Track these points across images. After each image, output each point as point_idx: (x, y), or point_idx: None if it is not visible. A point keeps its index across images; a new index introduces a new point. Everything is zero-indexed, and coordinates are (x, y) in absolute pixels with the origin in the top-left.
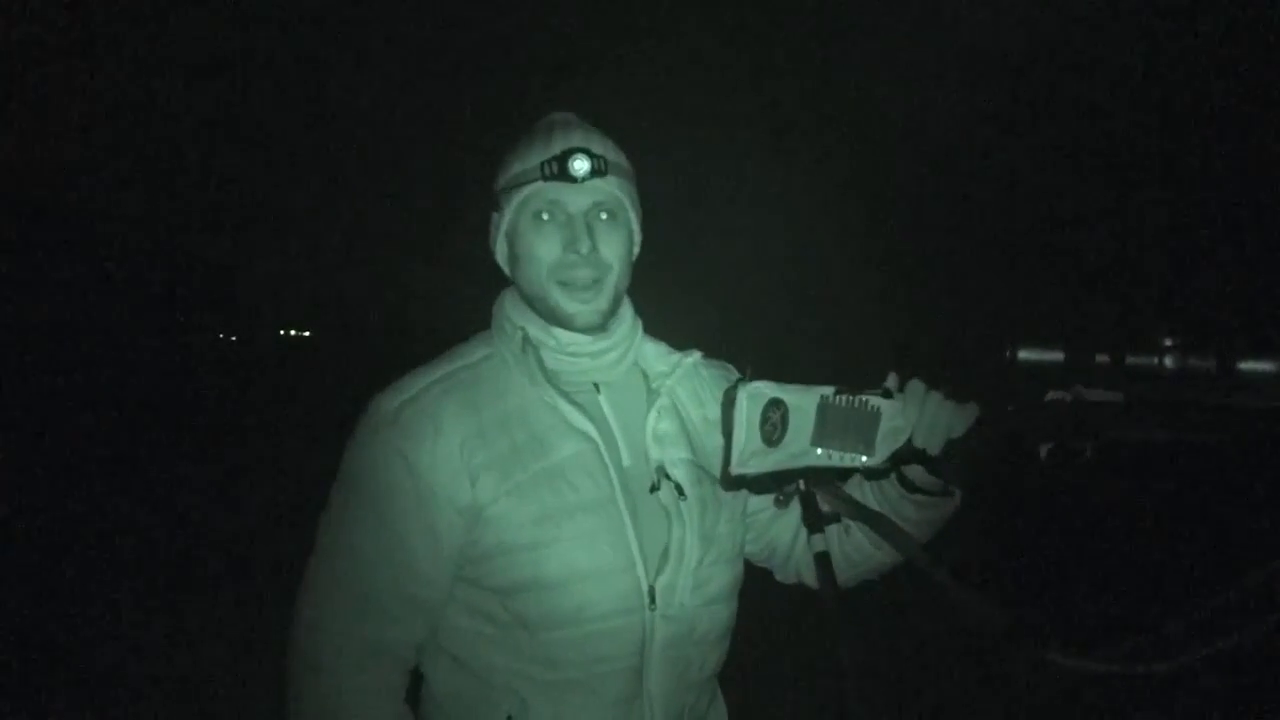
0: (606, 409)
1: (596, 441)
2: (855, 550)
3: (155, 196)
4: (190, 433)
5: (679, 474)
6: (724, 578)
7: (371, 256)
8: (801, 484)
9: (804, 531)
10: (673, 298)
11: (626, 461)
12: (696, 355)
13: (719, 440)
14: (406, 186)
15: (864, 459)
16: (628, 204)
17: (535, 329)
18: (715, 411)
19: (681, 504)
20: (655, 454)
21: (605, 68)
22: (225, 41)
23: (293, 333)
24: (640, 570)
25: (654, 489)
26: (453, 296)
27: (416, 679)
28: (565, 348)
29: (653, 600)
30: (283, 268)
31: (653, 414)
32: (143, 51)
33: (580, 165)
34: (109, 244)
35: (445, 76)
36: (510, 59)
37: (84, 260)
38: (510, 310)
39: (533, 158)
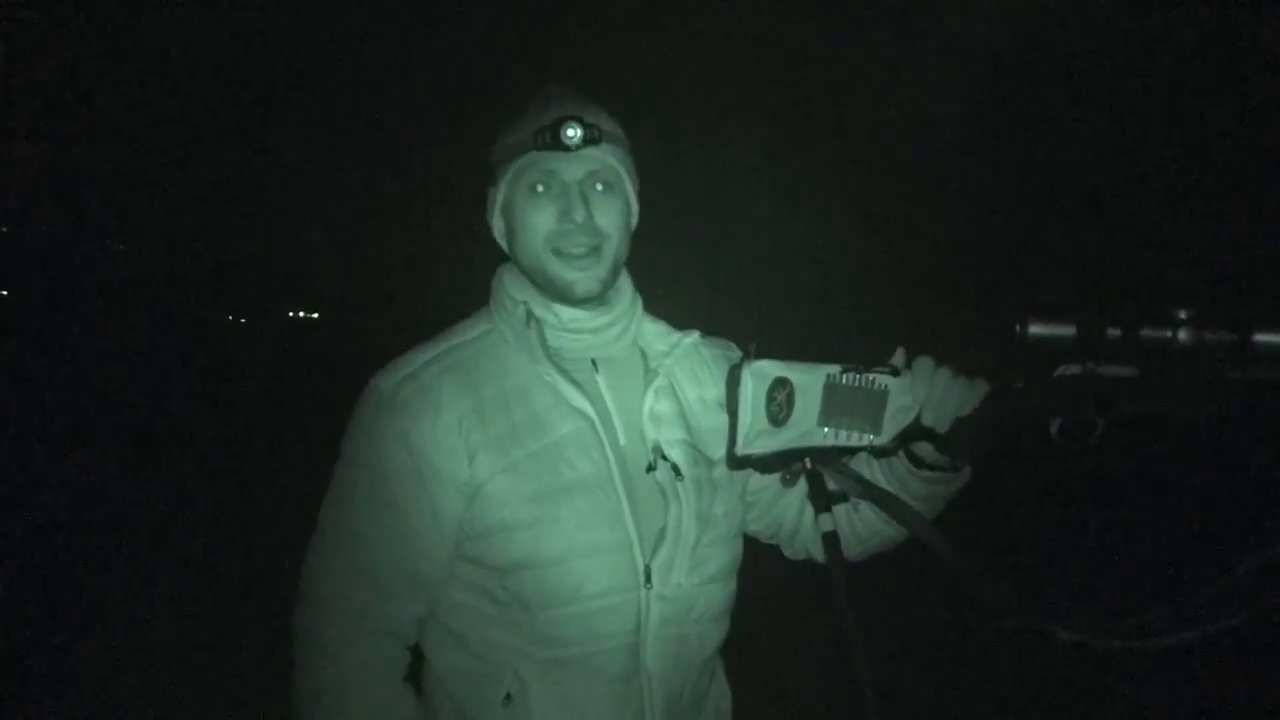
0: (604, 387)
1: (593, 420)
2: (864, 526)
3: (164, 179)
4: (201, 415)
5: (675, 454)
6: (722, 558)
7: (380, 238)
8: (808, 463)
9: (810, 508)
10: (678, 277)
11: (623, 441)
12: (695, 335)
13: (717, 421)
14: (415, 166)
15: (871, 438)
16: (624, 174)
17: (537, 306)
18: (713, 392)
19: (678, 484)
20: (652, 434)
21: (616, 53)
22: (231, 29)
23: (301, 314)
24: (636, 549)
25: (650, 469)
26: (455, 274)
27: (418, 657)
28: (567, 324)
29: (648, 579)
30: (292, 250)
31: (650, 394)
32: (144, 38)
33: (573, 133)
34: (117, 228)
35: (449, 59)
36: (518, 40)
37: (90, 243)
38: (510, 286)
39: (525, 128)
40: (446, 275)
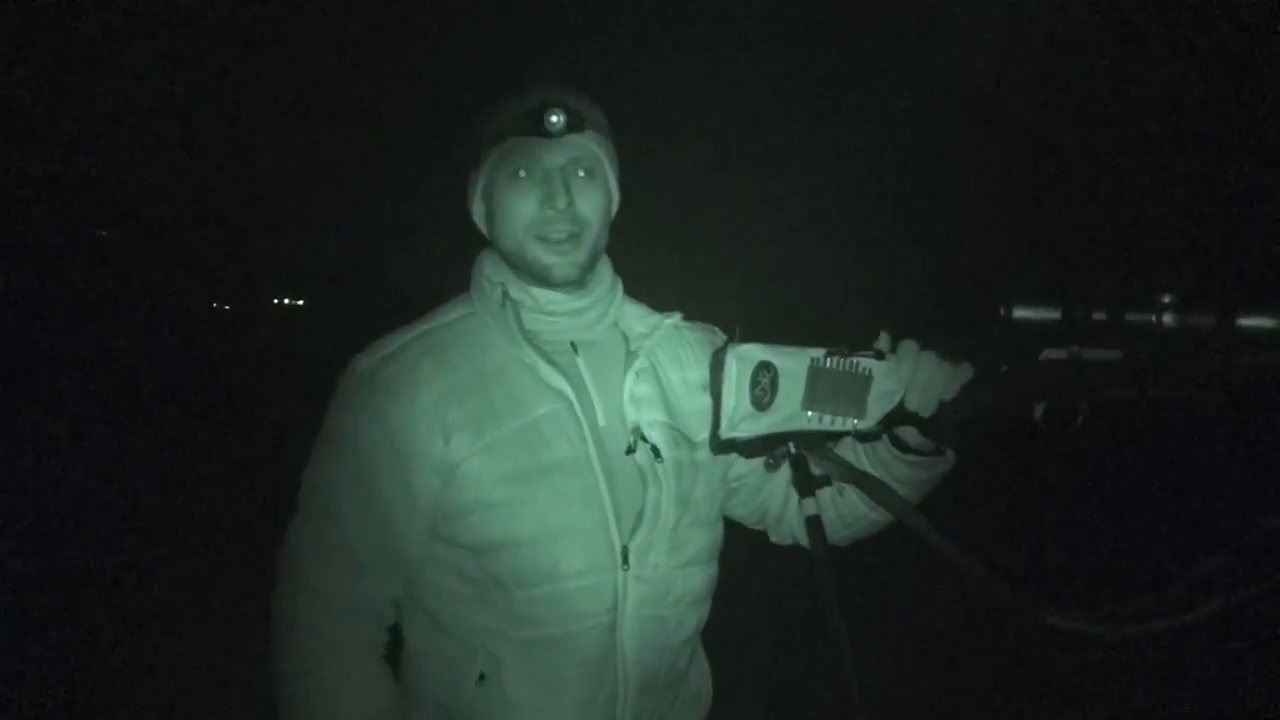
0: (584, 369)
1: (572, 400)
2: (849, 511)
3: (147, 165)
4: (186, 403)
5: (656, 436)
6: (701, 540)
7: (368, 225)
8: (792, 447)
9: (796, 493)
10: (665, 265)
11: (602, 422)
12: (677, 316)
13: (699, 403)
14: (402, 153)
15: (855, 422)
16: (605, 161)
17: (514, 288)
18: (696, 374)
19: (658, 466)
20: (632, 416)
21: (611, 48)
22: (213, 17)
23: (286, 301)
24: (614, 531)
25: (630, 451)
26: (441, 261)
27: (396, 637)
28: (544, 306)
29: (625, 561)
30: (277, 237)
31: (630, 375)
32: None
33: (556, 119)
34: (99, 212)
35: (438, 47)
36: (506, 29)
37: (76, 228)
38: (489, 269)
39: (507, 113)
40: (433, 263)
